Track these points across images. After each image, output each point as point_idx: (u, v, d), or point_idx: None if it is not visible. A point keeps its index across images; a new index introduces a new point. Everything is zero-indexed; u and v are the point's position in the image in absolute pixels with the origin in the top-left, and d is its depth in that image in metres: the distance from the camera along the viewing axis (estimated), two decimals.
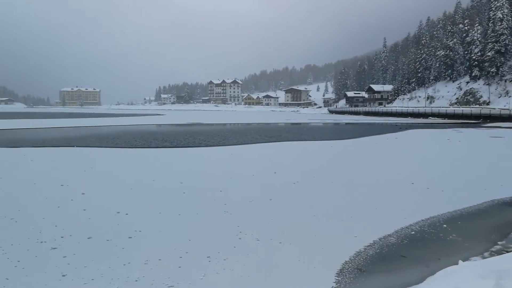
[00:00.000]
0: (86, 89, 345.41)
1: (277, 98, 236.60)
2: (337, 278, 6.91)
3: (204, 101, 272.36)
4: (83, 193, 12.60)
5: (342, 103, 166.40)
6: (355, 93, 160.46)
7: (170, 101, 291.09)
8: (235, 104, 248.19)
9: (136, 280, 6.61)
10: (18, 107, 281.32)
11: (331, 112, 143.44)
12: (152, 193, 12.99)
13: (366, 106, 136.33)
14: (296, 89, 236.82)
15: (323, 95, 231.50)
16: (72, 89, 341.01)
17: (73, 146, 26.77)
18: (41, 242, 8.26)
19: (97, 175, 16.14)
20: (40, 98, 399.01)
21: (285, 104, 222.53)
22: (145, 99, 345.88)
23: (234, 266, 7.24)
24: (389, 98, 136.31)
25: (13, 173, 16.33)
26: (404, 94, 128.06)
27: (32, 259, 7.40)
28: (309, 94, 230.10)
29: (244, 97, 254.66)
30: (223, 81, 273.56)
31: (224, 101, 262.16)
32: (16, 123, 58.94)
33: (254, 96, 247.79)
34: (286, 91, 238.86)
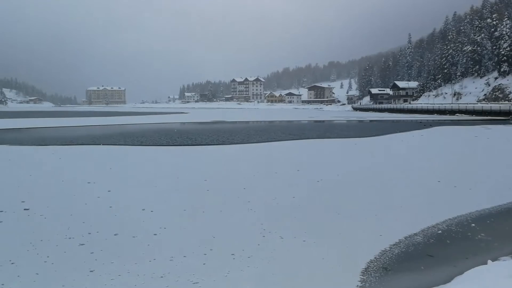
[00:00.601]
0: (112, 88, 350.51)
1: (300, 95, 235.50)
2: (362, 277, 6.85)
3: (227, 99, 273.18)
4: (109, 191, 12.81)
5: (366, 100, 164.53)
6: (379, 90, 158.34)
7: (193, 99, 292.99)
8: (258, 102, 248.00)
9: (162, 277, 6.68)
10: (47, 106, 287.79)
11: (355, 109, 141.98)
12: (177, 190, 13.12)
13: (390, 103, 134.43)
14: (319, 86, 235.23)
15: (347, 92, 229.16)
16: (98, 88, 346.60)
17: (99, 144, 27.23)
18: (69, 238, 8.44)
19: (123, 173, 16.38)
20: (67, 97, 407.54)
21: (308, 102, 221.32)
22: (169, 97, 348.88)
23: (258, 264, 7.26)
24: (414, 95, 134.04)
25: (42, 171, 16.72)
26: (429, 91, 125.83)
27: (60, 254, 7.57)
28: (333, 91, 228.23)
29: (266, 94, 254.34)
30: (246, 79, 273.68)
31: (246, 99, 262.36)
32: (45, 121, 60.30)
33: (277, 93, 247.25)
34: (309, 89, 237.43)
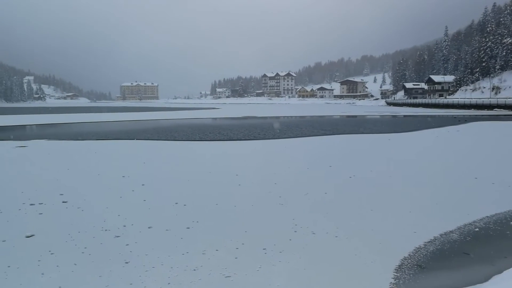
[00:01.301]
0: (145, 83, 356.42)
1: (332, 90, 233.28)
2: (395, 274, 6.76)
3: (258, 95, 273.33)
4: (143, 184, 13.07)
5: (400, 95, 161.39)
6: (414, 85, 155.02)
7: (224, 95, 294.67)
8: (289, 97, 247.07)
9: (194, 270, 6.78)
10: (82, 101, 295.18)
11: (389, 104, 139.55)
12: (209, 184, 13.25)
13: (425, 98, 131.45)
14: (352, 80, 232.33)
15: (380, 87, 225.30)
16: (131, 84, 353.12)
17: (133, 139, 27.77)
18: (106, 230, 8.67)
19: (156, 167, 16.66)
20: (102, 93, 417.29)
21: (340, 96, 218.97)
22: (201, 93, 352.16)
23: (290, 259, 7.26)
24: (451, 90, 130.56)
25: (79, 165, 17.20)
26: (466, 85, 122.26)
27: (97, 246, 7.78)
28: (366, 85, 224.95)
29: (298, 89, 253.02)
30: (277, 74, 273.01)
31: (277, 94, 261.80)
32: (81, 117, 61.93)
33: (308, 88, 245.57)
34: (342, 83, 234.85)
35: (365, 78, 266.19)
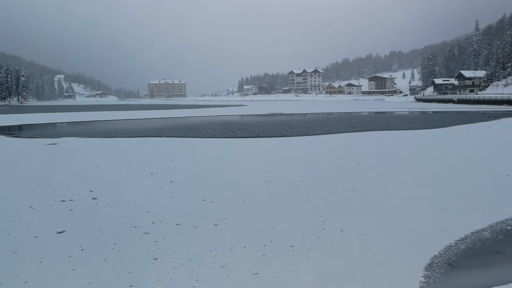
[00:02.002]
0: (173, 81, 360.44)
1: (360, 86, 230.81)
2: (425, 272, 6.60)
3: (285, 91, 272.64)
4: (171, 181, 13.16)
5: (429, 91, 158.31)
6: (443, 80, 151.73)
7: (252, 92, 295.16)
8: (316, 93, 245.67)
9: (222, 267, 6.77)
10: (111, 99, 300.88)
11: (418, 100, 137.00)
12: (236, 181, 13.26)
13: (455, 94, 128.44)
14: (380, 76, 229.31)
15: (409, 83, 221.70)
16: (159, 81, 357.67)
17: (161, 136, 28.07)
18: (134, 227, 8.75)
19: (184, 164, 16.77)
20: (131, 90, 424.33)
21: (369, 93, 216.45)
22: (228, 90, 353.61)
23: (318, 256, 7.18)
24: (482, 85, 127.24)
25: (108, 162, 17.48)
26: (498, 80, 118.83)
27: (126, 242, 7.86)
28: (394, 81, 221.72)
29: (325, 86, 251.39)
30: (304, 71, 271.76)
31: (304, 91, 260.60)
32: (110, 115, 63.03)
33: (336, 84, 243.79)
34: (370, 79, 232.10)
35: (394, 74, 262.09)
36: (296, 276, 6.47)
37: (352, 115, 56.75)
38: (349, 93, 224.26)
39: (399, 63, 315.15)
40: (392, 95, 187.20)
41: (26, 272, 6.56)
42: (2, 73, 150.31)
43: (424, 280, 6.34)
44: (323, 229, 8.56)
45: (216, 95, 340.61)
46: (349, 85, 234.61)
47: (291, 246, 7.60)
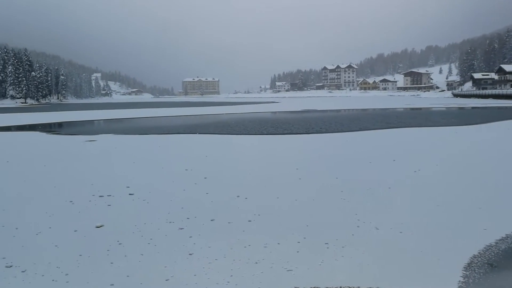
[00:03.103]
0: (206, 79, 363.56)
1: (395, 82, 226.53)
2: (464, 272, 6.43)
3: (318, 88, 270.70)
4: (205, 177, 13.30)
5: (467, 86, 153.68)
6: (483, 75, 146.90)
7: (284, 88, 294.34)
8: (350, 89, 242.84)
9: (256, 263, 6.80)
10: (146, 97, 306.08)
11: (455, 95, 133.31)
12: (269, 178, 13.27)
13: (495, 89, 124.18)
14: (416, 71, 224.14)
15: (446, 78, 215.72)
16: (193, 79, 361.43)
17: (195, 133, 28.39)
18: (170, 222, 8.90)
19: (218, 160, 16.92)
20: (165, 88, 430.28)
21: (404, 88, 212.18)
22: (260, 87, 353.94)
23: (353, 254, 7.11)
24: None
25: (143, 158, 17.82)
26: None
27: (162, 237, 8.01)
28: (431, 77, 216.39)
29: (359, 82, 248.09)
30: (337, 66, 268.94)
31: (338, 87, 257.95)
32: (145, 112, 64.21)
33: (370, 80, 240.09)
34: (405, 74, 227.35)
35: (430, 69, 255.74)
36: (330, 273, 6.43)
37: (387, 111, 55.80)
38: (384, 89, 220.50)
39: (436, 57, 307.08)
40: (429, 91, 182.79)
41: (67, 265, 6.78)
42: (43, 72, 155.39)
43: (463, 280, 6.18)
44: (358, 226, 8.47)
45: (248, 92, 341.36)
46: (384, 80, 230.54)
47: (325, 243, 7.56)
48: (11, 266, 6.75)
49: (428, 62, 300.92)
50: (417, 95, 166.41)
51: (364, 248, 7.37)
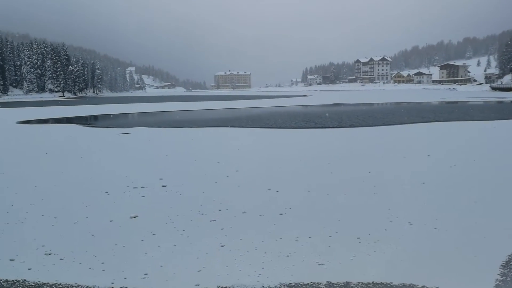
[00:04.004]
0: (238, 72, 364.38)
1: (431, 75, 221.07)
2: (502, 270, 6.25)
3: (351, 81, 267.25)
4: (237, 170, 13.38)
5: (507, 79, 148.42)
6: None
7: (316, 82, 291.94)
8: (383, 82, 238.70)
9: (288, 256, 6.81)
10: (179, 91, 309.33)
11: (494, 89, 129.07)
12: (301, 172, 13.23)
13: None
14: (452, 64, 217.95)
15: (485, 71, 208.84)
16: (225, 73, 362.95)
17: (227, 126, 28.56)
18: (202, 214, 9.01)
19: (249, 153, 16.98)
20: (197, 82, 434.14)
21: (440, 81, 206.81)
22: (292, 81, 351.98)
23: (385, 249, 7.02)
24: None
25: (176, 151, 18.07)
26: None
27: (194, 229, 8.12)
28: (468, 69, 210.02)
29: (393, 75, 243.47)
30: (371, 59, 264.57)
31: (371, 80, 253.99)
32: (178, 105, 64.97)
33: (404, 73, 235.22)
34: (441, 67, 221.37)
35: (467, 62, 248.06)
36: (362, 268, 6.38)
37: (421, 105, 54.62)
38: (419, 82, 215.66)
39: (474, 49, 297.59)
40: (465, 84, 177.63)
41: (103, 254, 6.97)
42: (79, 66, 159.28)
43: (500, 279, 6.02)
44: (391, 221, 8.35)
45: (279, 86, 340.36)
46: (419, 73, 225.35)
47: (357, 238, 7.49)
48: (50, 254, 6.99)
49: (465, 55, 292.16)
50: (453, 88, 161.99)
51: (397, 243, 7.27)
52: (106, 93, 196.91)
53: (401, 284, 5.88)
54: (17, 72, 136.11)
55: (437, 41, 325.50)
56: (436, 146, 18.21)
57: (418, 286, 5.81)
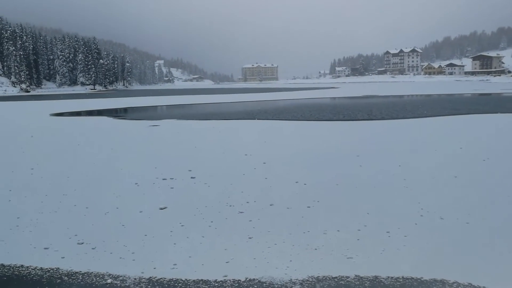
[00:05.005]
0: (265, 65, 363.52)
1: (463, 66, 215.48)
2: None
3: (380, 73, 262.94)
4: (264, 163, 13.38)
5: None
6: None
7: (344, 73, 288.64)
8: (414, 74, 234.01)
9: (316, 249, 6.77)
10: (207, 83, 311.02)
11: None
12: (329, 164, 13.11)
13: None
14: (485, 55, 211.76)
15: None
16: (252, 65, 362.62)
17: (254, 119, 28.55)
18: (230, 205, 9.05)
19: (276, 146, 16.93)
20: (225, 74, 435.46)
21: (472, 73, 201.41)
22: (319, 73, 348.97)
23: (416, 244, 6.90)
24: None
25: (205, 143, 18.19)
26: None
27: (222, 220, 8.16)
28: (502, 60, 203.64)
29: (423, 66, 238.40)
30: (401, 51, 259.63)
31: (401, 72, 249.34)
32: (206, 98, 65.36)
33: (435, 65, 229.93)
34: (474, 58, 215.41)
35: (502, 53, 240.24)
36: (392, 262, 6.29)
37: (453, 97, 53.33)
38: (450, 73, 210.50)
39: (508, 40, 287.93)
40: (499, 75, 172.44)
41: (133, 244, 7.09)
42: (110, 59, 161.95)
43: None
44: (421, 215, 8.20)
45: (307, 78, 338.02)
46: (451, 65, 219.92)
47: (387, 232, 7.39)
48: (82, 243, 7.16)
49: (499, 45, 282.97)
50: (487, 80, 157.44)
51: (428, 238, 7.14)
52: (136, 86, 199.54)
53: (432, 279, 5.77)
54: (50, 66, 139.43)
55: (469, 32, 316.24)
56: (468, 139, 17.75)
57: (450, 282, 5.70)
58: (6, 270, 6.29)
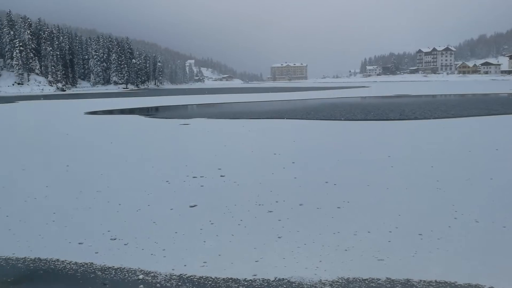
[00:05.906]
0: (294, 64, 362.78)
1: (499, 65, 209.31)
2: None
3: (412, 72, 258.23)
4: (293, 162, 13.34)
5: None
6: None
7: (375, 72, 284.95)
8: (447, 73, 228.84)
9: (346, 250, 6.70)
10: (236, 83, 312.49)
11: None
12: (359, 165, 12.96)
13: None
14: None
15: None
16: (281, 64, 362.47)
17: (283, 118, 28.50)
18: (259, 205, 9.06)
19: (305, 145, 16.86)
20: (254, 74, 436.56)
21: (509, 72, 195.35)
22: (350, 71, 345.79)
23: (449, 247, 6.73)
24: None
25: (234, 141, 18.28)
26: None
27: (252, 219, 8.18)
28: None
29: (457, 65, 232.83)
30: (434, 49, 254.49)
31: (434, 71, 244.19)
32: (236, 97, 65.65)
33: (470, 64, 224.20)
34: (511, 57, 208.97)
35: None
36: (424, 265, 6.16)
37: (488, 97, 51.88)
38: (486, 72, 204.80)
39: None
40: None
41: (163, 241, 7.19)
42: (142, 59, 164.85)
43: None
44: (455, 218, 8.00)
45: (337, 77, 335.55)
46: (486, 64, 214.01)
47: (419, 234, 7.24)
48: (115, 239, 7.30)
49: None
50: None
51: (462, 241, 6.96)
52: (167, 85, 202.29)
53: (466, 284, 5.62)
54: (85, 65, 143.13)
55: (506, 29, 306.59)
56: (505, 141, 17.23)
57: (485, 287, 5.54)
58: (42, 264, 6.48)
